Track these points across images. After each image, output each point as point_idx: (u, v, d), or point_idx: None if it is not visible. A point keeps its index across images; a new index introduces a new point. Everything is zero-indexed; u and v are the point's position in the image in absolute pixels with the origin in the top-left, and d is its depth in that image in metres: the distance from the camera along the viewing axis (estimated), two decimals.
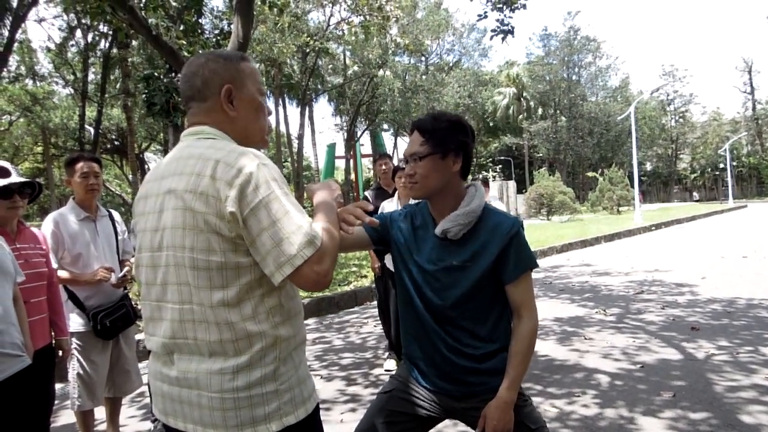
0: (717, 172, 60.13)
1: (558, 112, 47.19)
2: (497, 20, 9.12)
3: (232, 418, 1.23)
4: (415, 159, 1.72)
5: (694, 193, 55.82)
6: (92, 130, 23.35)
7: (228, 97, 1.37)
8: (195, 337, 1.26)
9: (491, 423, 1.67)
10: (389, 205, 4.73)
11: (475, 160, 49.80)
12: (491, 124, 50.35)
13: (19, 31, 18.52)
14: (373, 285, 6.26)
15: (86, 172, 3.09)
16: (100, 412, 3.35)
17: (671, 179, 64.00)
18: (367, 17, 13.91)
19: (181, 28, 8.86)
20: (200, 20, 10.10)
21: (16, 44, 18.97)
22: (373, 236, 1.90)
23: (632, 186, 27.85)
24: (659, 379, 4.06)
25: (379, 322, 5.51)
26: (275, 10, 10.85)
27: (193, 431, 1.28)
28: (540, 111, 48.85)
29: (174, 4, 9.39)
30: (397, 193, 4.74)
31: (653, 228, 20.21)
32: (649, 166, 63.24)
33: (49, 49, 24.95)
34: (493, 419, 1.67)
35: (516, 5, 9.00)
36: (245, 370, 1.24)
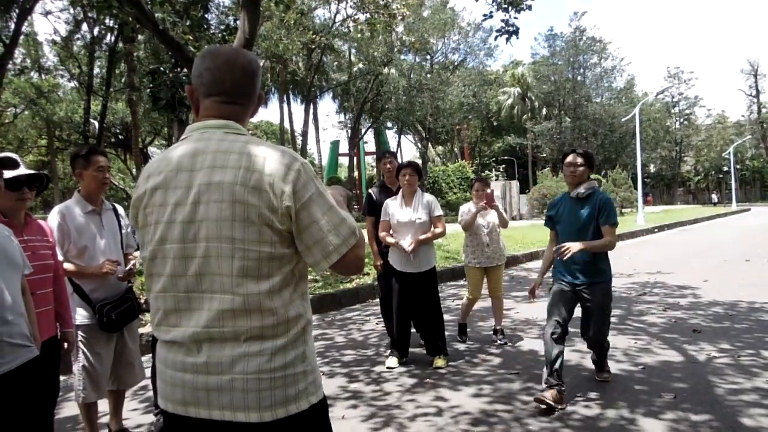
0: (721, 175, 59.93)
1: (562, 112, 46.96)
2: (502, 20, 9.12)
3: (267, 398, 1.28)
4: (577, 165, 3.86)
5: (713, 195, 54.61)
6: (96, 124, 23.39)
7: (261, 103, 1.52)
8: (234, 325, 1.29)
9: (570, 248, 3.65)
10: (393, 203, 4.74)
11: (478, 159, 49.77)
12: (495, 124, 50.24)
13: (25, 23, 18.55)
14: (375, 282, 6.27)
15: (102, 166, 3.13)
16: (103, 405, 3.37)
17: (675, 181, 63.83)
18: (373, 15, 13.91)
19: (188, 23, 8.87)
20: (206, 16, 10.13)
21: (21, 37, 19.01)
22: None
23: (636, 188, 27.78)
24: (660, 380, 4.07)
25: (381, 319, 5.53)
26: (281, 6, 10.86)
27: (219, 417, 1.29)
28: (544, 111, 48.68)
29: None
30: (401, 190, 4.75)
31: (656, 230, 20.18)
32: (652, 168, 63.09)
33: (54, 42, 24.94)
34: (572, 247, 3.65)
35: (521, 6, 9.00)
36: (281, 351, 1.32)
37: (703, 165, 62.22)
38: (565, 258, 3.66)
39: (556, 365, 3.59)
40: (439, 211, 4.72)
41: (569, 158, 3.92)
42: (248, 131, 1.49)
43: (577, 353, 4.79)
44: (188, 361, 1.32)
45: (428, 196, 4.78)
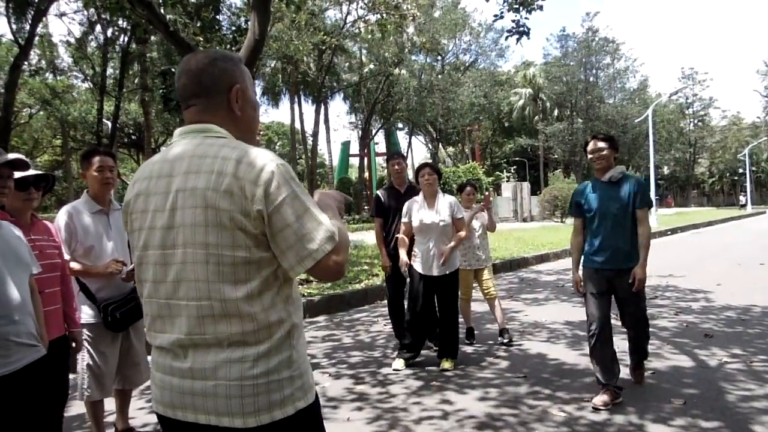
0: (735, 177, 59.22)
1: (574, 113, 46.67)
2: (513, 21, 9.07)
3: (250, 404, 1.27)
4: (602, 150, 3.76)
5: (741, 197, 52.91)
6: (110, 124, 23.64)
7: (236, 97, 1.42)
8: (215, 331, 1.28)
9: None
10: (415, 205, 4.69)
11: (489, 160, 49.59)
12: (506, 125, 50.05)
13: (40, 25, 18.77)
14: (384, 284, 6.25)
15: (102, 166, 3.12)
16: (110, 404, 3.39)
17: (689, 183, 63.18)
18: (384, 15, 13.90)
19: (199, 24, 8.93)
20: (217, 17, 10.18)
21: (36, 38, 19.24)
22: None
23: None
24: (670, 386, 4.01)
25: (389, 321, 5.52)
26: (292, 7, 10.88)
27: (205, 421, 1.30)
28: (556, 112, 48.40)
29: (192, 0, 9.47)
30: (422, 192, 4.73)
31: (669, 233, 19.97)
32: (666, 170, 62.48)
33: (69, 44, 25.26)
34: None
35: (532, 6, 8.95)
36: (264, 357, 1.29)
37: (718, 167, 61.57)
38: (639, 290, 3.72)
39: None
40: (461, 213, 4.72)
41: (591, 145, 3.81)
42: (259, 132, 1.48)
43: (586, 357, 4.73)
44: (175, 365, 1.33)
45: (450, 198, 4.75)
